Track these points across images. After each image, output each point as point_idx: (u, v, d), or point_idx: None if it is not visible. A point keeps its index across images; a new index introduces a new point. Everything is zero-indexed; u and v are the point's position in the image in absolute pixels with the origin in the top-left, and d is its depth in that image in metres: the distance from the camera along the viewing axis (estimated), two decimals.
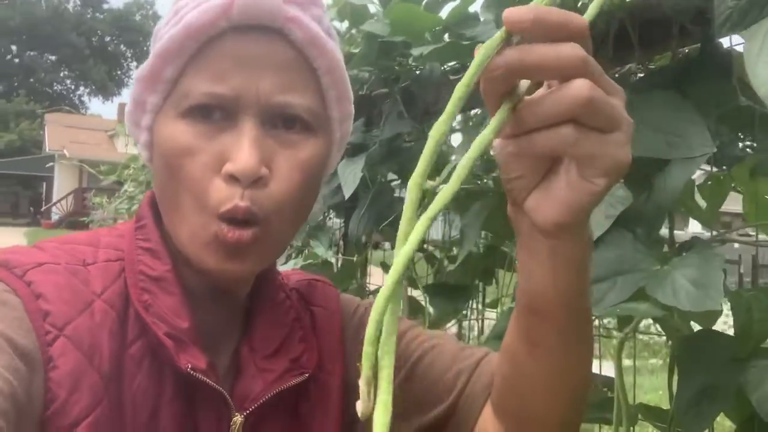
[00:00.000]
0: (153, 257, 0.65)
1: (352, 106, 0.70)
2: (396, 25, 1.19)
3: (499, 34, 0.42)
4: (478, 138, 0.44)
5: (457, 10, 1.23)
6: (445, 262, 1.52)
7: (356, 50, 1.38)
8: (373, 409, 0.40)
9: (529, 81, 0.44)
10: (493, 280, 1.46)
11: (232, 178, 0.59)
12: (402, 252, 0.41)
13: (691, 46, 0.98)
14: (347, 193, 1.27)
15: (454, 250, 1.50)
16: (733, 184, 1.00)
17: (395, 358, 0.68)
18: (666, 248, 0.92)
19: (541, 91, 0.44)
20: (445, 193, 0.43)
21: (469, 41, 1.03)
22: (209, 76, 0.60)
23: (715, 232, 0.94)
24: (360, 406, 0.40)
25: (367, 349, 0.41)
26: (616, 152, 0.43)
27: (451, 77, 1.36)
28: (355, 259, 1.48)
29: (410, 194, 0.43)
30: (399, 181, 1.50)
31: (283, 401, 0.67)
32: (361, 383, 0.41)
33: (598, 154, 0.43)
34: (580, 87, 0.41)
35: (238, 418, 0.63)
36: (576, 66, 0.41)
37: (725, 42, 0.92)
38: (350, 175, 1.29)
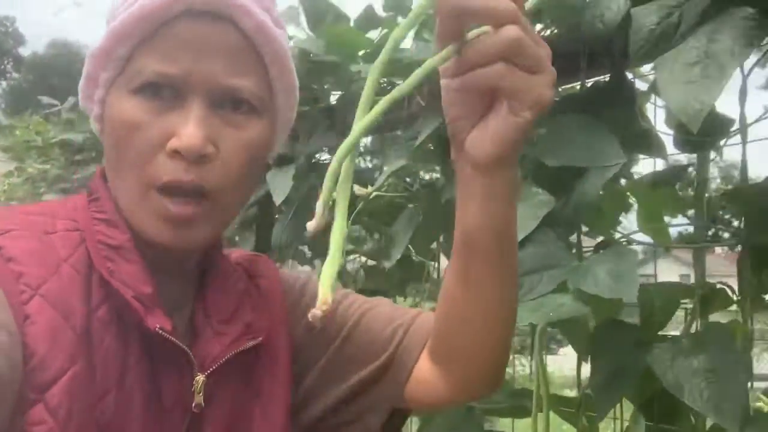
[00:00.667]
0: (110, 227, 0.67)
1: (297, 94, 0.74)
2: (330, 46, 1.27)
3: None
4: (425, 63, 0.53)
5: (386, 36, 1.34)
6: (361, 272, 1.59)
7: None
8: (324, 226, 0.49)
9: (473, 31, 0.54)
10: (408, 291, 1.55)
11: (176, 154, 0.63)
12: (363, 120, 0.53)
13: (597, 78, 1.14)
14: (278, 200, 1.32)
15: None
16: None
17: (333, 323, 0.77)
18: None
19: (478, 32, 0.54)
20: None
21: (409, 61, 1.13)
22: (161, 57, 0.63)
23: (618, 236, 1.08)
24: (313, 224, 0.49)
25: (327, 182, 0.50)
26: (540, 90, 0.53)
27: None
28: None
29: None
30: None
31: (237, 364, 0.71)
32: (318, 204, 0.49)
33: (524, 89, 0.52)
34: (511, 30, 0.51)
35: (200, 378, 0.66)
36: (509, 15, 0.51)
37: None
38: (281, 184, 1.34)
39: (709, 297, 1.00)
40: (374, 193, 1.20)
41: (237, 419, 0.71)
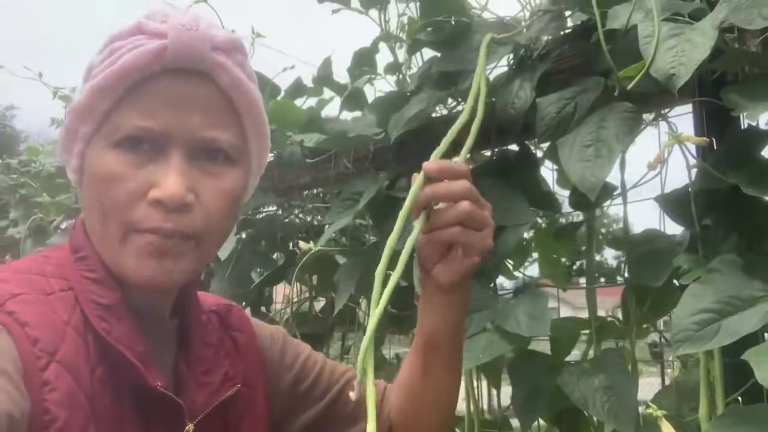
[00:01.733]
0: (101, 287, 0.68)
1: (269, 140, 0.79)
2: (274, 116, 1.43)
3: (420, 178, 0.75)
4: (411, 235, 0.75)
5: (314, 110, 1.52)
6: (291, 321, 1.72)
7: None
8: (364, 393, 0.66)
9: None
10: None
11: (158, 203, 0.65)
12: (375, 312, 0.70)
13: (502, 147, 1.35)
14: (224, 256, 1.43)
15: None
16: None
17: (319, 382, 0.94)
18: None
19: (443, 206, 0.75)
20: (394, 277, 0.72)
21: (353, 134, 1.31)
22: (141, 112, 0.66)
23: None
24: (355, 393, 0.67)
25: (360, 357, 0.68)
26: (485, 241, 0.76)
27: (308, 161, 1.62)
28: None
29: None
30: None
31: (217, 413, 0.75)
32: (357, 380, 0.67)
33: (473, 242, 0.75)
34: (464, 204, 0.73)
35: (190, 427, 0.70)
36: (463, 194, 0.74)
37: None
38: (226, 246, 1.46)
39: (601, 328, 1.22)
40: (320, 248, 1.35)
41: None
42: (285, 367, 0.90)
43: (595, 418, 1.18)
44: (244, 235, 1.66)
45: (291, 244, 1.58)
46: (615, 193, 1.17)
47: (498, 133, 1.22)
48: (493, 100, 1.20)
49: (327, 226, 1.33)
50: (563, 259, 1.35)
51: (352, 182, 1.39)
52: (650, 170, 0.87)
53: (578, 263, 1.37)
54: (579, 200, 1.22)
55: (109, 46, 0.69)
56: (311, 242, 1.39)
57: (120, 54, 0.67)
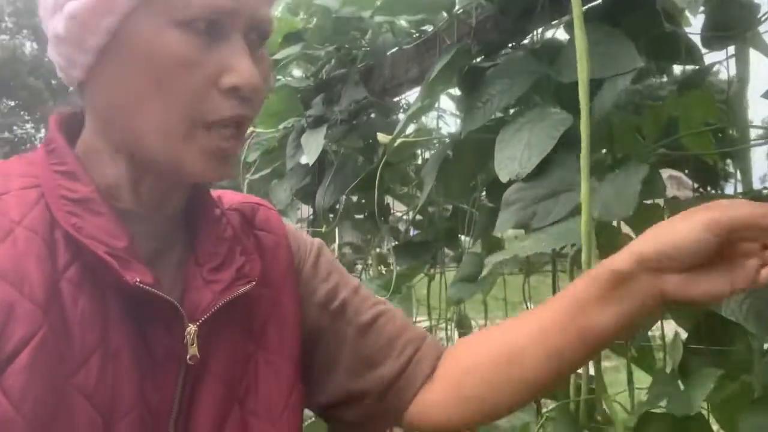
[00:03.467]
0: (72, 180, 0.63)
1: None
2: None
3: None
4: None
5: None
6: (410, 229, 1.57)
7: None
8: None
9: None
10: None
11: (234, 90, 0.60)
12: None
13: None
14: (311, 160, 1.32)
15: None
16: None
17: (349, 309, 0.78)
18: None
19: None
20: None
21: None
22: None
23: None
24: None
25: None
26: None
27: (405, 47, 1.43)
28: (323, 229, 1.53)
29: None
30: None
31: (234, 313, 0.67)
32: None
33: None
34: None
35: (191, 328, 0.62)
36: None
37: None
38: (313, 144, 1.34)
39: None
40: (402, 139, 1.17)
41: (239, 370, 0.68)
42: (319, 278, 0.79)
43: None
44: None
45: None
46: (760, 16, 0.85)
47: None
48: None
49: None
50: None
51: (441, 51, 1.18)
52: None
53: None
54: (713, 35, 0.90)
55: None
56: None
57: None
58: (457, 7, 1.17)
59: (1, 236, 0.57)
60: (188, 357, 0.62)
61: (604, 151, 0.99)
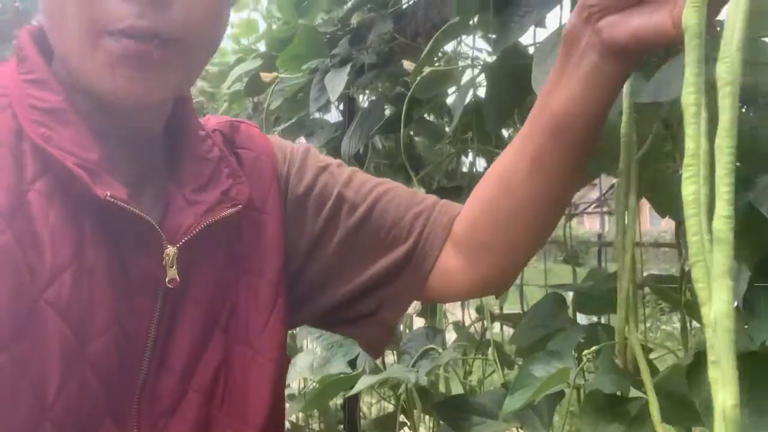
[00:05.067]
0: (41, 89, 0.60)
1: None
2: None
3: None
4: None
5: None
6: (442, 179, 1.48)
7: None
8: None
9: None
10: None
11: None
12: None
13: None
14: (333, 96, 1.24)
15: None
16: None
17: (343, 200, 0.74)
18: None
19: None
20: None
21: None
22: None
23: None
24: None
25: None
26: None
27: None
28: None
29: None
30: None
31: (215, 236, 0.65)
32: None
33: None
34: None
35: (171, 250, 0.61)
36: None
37: None
38: (337, 82, 1.26)
39: None
40: (427, 69, 1.07)
41: (220, 295, 0.66)
42: (306, 182, 0.75)
43: None
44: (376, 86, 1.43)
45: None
46: None
47: None
48: None
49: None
50: None
51: None
52: None
53: None
54: None
55: None
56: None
57: None
58: None
59: None
60: (167, 280, 0.61)
61: None
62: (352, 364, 1.30)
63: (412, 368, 1.12)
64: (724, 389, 0.32)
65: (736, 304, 0.80)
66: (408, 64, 1.10)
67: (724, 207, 0.35)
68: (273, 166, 0.75)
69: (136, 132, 0.65)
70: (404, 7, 1.49)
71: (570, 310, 1.11)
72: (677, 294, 0.95)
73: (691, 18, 0.40)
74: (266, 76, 1.19)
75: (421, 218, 0.74)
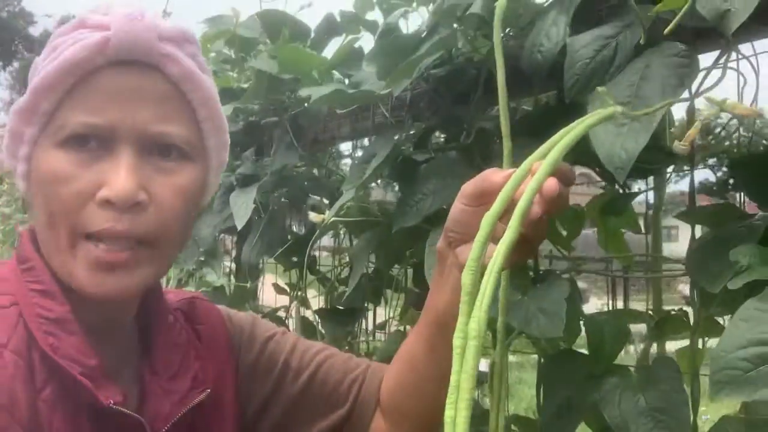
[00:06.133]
0: (48, 299, 0.65)
1: (228, 135, 0.75)
2: (284, 65, 1.25)
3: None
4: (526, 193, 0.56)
5: (342, 50, 1.30)
6: (336, 284, 1.58)
7: (246, 85, 1.42)
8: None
9: None
10: (382, 300, 1.54)
11: (108, 203, 0.62)
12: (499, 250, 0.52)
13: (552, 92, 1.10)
14: (239, 224, 1.31)
15: (343, 274, 1.58)
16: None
17: (288, 367, 0.83)
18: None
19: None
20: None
21: (354, 89, 1.10)
22: (86, 109, 0.63)
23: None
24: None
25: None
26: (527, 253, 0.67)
27: (338, 111, 1.43)
28: (248, 285, 1.52)
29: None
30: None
31: (184, 420, 0.71)
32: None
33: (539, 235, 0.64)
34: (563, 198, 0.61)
35: None
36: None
37: None
38: (242, 206, 1.33)
39: (663, 324, 0.98)
40: (333, 219, 1.17)
41: None
42: (255, 351, 0.84)
43: None
44: (276, 194, 1.51)
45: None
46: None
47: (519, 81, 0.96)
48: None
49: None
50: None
51: (373, 141, 1.19)
52: (678, 153, 0.61)
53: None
54: (636, 164, 0.95)
55: (52, 42, 0.66)
56: (326, 212, 1.22)
57: (61, 50, 0.64)
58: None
59: None
60: None
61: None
62: None
63: None
64: None
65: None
66: (314, 216, 1.19)
67: (462, 418, 0.48)
68: (227, 338, 0.82)
69: (113, 321, 0.71)
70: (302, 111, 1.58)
71: None
72: None
73: (467, 278, 0.53)
74: (316, 218, 1.24)
75: (355, 385, 0.84)
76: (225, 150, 0.75)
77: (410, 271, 1.47)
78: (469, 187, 0.66)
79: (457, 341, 0.51)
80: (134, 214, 0.63)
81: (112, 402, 0.62)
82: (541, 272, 0.99)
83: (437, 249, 0.73)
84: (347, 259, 1.61)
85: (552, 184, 0.57)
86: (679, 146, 0.58)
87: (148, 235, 0.64)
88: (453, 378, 0.50)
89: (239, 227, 1.31)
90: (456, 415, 0.48)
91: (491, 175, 0.64)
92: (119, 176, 0.62)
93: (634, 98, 0.76)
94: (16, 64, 33.51)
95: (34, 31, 33.60)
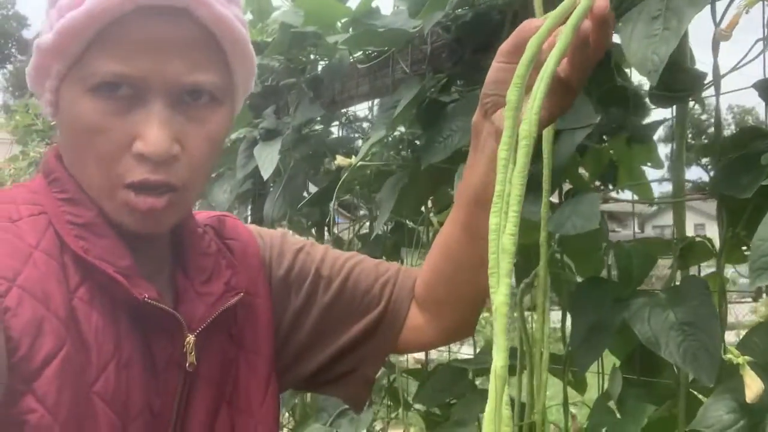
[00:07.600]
0: (76, 206, 0.66)
1: (255, 63, 0.74)
2: (309, 16, 1.27)
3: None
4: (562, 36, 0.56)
5: (364, 3, 1.33)
6: (355, 241, 1.60)
7: (269, 39, 1.45)
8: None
9: None
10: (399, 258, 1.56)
11: (143, 157, 0.63)
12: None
13: None
14: (266, 175, 1.33)
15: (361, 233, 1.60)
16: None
17: (320, 276, 0.85)
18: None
19: None
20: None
21: (383, 29, 1.12)
22: (115, 57, 0.62)
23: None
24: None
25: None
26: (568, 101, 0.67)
27: (359, 66, 1.46)
28: None
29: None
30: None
31: (220, 321, 0.73)
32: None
33: (573, 83, 0.66)
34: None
35: (191, 338, 0.69)
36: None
37: None
38: (267, 158, 1.35)
39: (688, 251, 1.00)
40: (360, 163, 1.20)
41: (225, 372, 0.75)
42: (286, 264, 0.85)
43: None
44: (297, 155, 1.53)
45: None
46: (706, 83, 0.93)
47: None
48: None
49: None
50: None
51: (398, 89, 1.21)
52: (721, 40, 0.64)
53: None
54: (661, 94, 0.98)
55: None
56: (353, 157, 1.24)
57: None
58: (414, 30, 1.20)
59: (24, 259, 0.61)
60: (187, 364, 0.68)
61: None
62: None
63: (330, 428, 1.24)
64: (497, 355, 0.44)
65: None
66: (341, 160, 1.21)
67: (510, 227, 0.47)
68: (258, 253, 0.83)
69: (147, 236, 0.72)
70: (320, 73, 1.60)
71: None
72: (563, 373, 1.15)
73: (512, 94, 0.52)
74: (342, 161, 1.25)
75: (388, 285, 0.85)
76: (249, 90, 0.76)
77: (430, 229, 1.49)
78: (506, 44, 0.65)
79: (501, 153, 0.50)
80: (168, 165, 0.64)
81: (146, 296, 0.64)
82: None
83: (472, 124, 0.72)
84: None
85: (603, 2, 0.58)
86: (722, 33, 0.61)
87: (181, 183, 0.66)
88: (498, 188, 0.49)
89: (266, 177, 1.33)
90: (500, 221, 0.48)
91: (528, 23, 0.64)
92: (152, 130, 0.62)
93: (666, 11, 0.78)
94: (9, 67, 33.47)
95: (28, 34, 33.59)
